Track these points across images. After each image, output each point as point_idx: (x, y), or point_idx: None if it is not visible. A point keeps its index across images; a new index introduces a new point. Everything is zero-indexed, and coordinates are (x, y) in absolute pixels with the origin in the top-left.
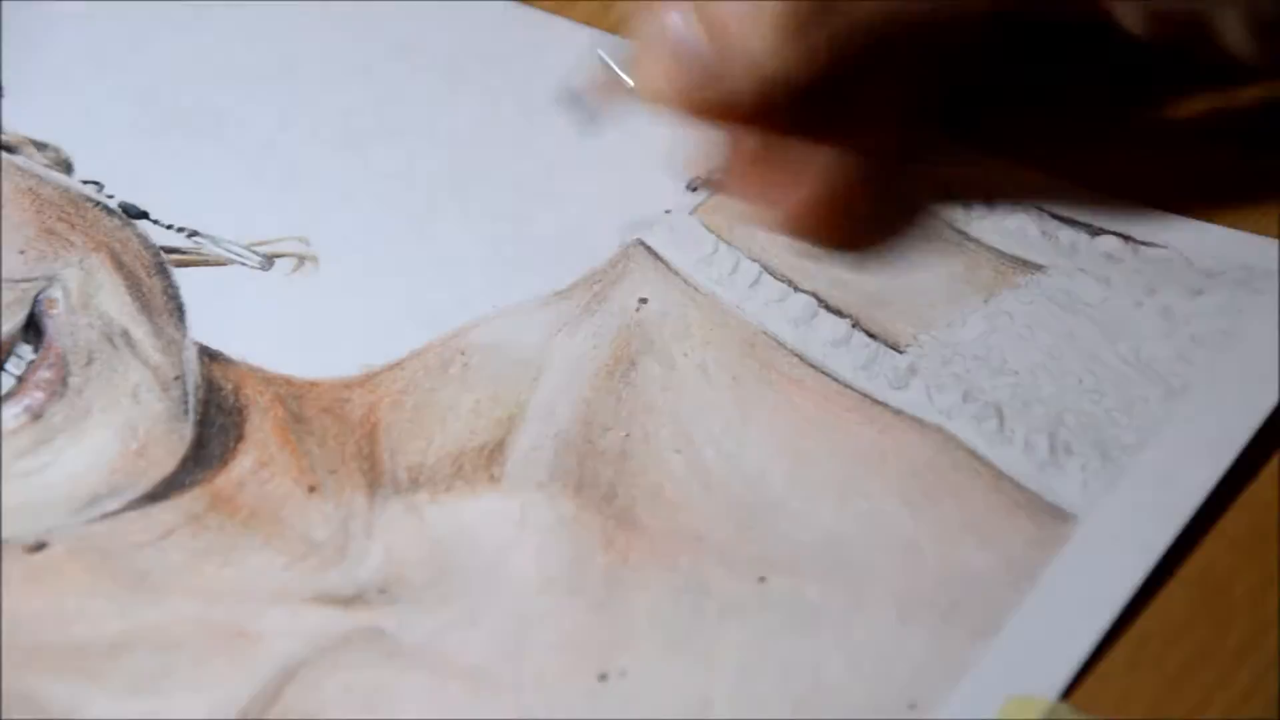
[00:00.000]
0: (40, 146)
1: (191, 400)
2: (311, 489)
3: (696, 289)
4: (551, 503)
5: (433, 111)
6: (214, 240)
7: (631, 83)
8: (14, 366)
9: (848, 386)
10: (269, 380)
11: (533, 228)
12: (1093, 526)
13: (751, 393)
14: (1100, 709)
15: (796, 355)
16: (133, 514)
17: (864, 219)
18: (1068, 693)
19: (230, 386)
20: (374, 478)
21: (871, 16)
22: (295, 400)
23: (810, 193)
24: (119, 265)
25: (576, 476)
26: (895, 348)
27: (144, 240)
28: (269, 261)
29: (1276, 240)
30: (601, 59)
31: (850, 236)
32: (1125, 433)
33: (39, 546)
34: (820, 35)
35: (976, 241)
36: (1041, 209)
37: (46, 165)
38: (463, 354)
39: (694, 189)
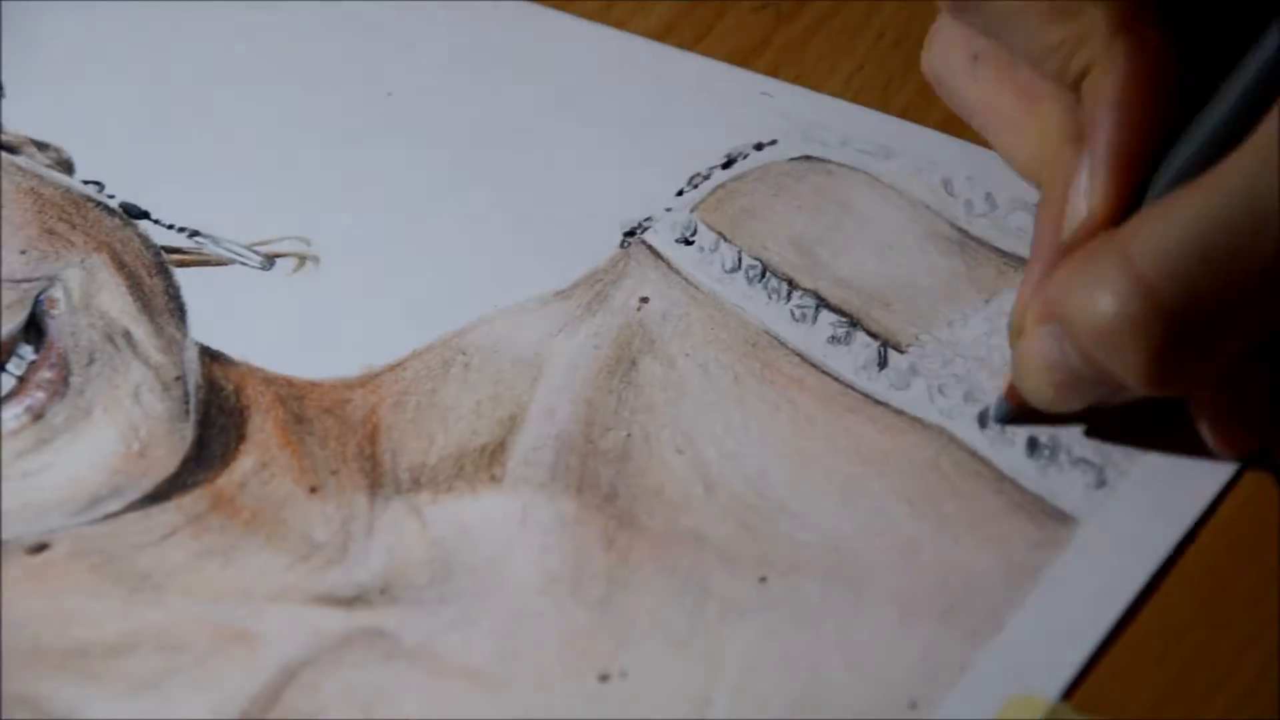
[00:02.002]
0: (41, 146)
1: (193, 400)
2: (313, 489)
3: (697, 288)
4: (552, 503)
5: (433, 111)
6: (215, 240)
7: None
8: (15, 367)
9: (849, 386)
10: (270, 380)
11: (533, 227)
12: (1093, 528)
13: (753, 392)
14: (1100, 709)
15: (798, 355)
16: (134, 515)
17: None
18: (1068, 693)
19: (231, 387)
20: (375, 478)
21: (1252, 333)
22: (296, 401)
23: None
24: (120, 265)
25: (577, 477)
26: (897, 347)
27: (145, 240)
28: (270, 261)
29: None
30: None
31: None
32: None
33: (40, 547)
34: (1200, 357)
35: (977, 241)
36: None
37: (47, 165)
38: (464, 354)
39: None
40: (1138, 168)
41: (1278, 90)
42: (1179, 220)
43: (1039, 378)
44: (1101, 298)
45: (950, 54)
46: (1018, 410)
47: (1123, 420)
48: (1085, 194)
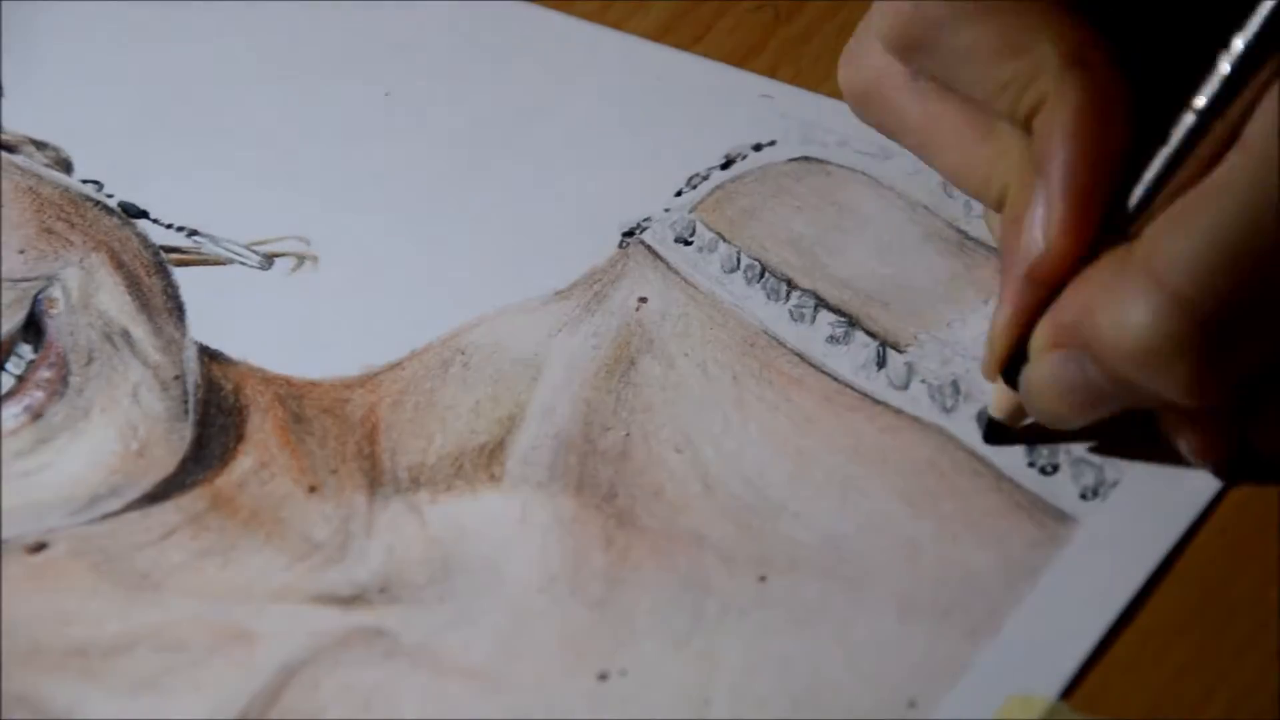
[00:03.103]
0: (40, 146)
1: (191, 400)
2: (312, 489)
3: (696, 288)
4: (552, 502)
5: (433, 111)
6: (214, 239)
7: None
8: (14, 366)
9: (848, 386)
10: (269, 380)
11: (532, 227)
12: (1092, 527)
13: (751, 392)
14: (1100, 709)
15: (797, 354)
16: (133, 514)
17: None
18: (1067, 692)
19: (230, 386)
20: (374, 477)
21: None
22: (295, 400)
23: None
24: (119, 265)
25: (577, 476)
26: (895, 347)
27: (144, 239)
28: (269, 261)
29: None
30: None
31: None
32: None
33: (39, 547)
34: (1241, 362)
35: (976, 241)
36: None
37: (46, 164)
38: (463, 354)
39: None
40: (1095, 200)
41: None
42: (1199, 229)
43: (1056, 402)
44: (1135, 317)
45: (885, 68)
46: (1004, 431)
47: (1113, 429)
48: (1041, 227)
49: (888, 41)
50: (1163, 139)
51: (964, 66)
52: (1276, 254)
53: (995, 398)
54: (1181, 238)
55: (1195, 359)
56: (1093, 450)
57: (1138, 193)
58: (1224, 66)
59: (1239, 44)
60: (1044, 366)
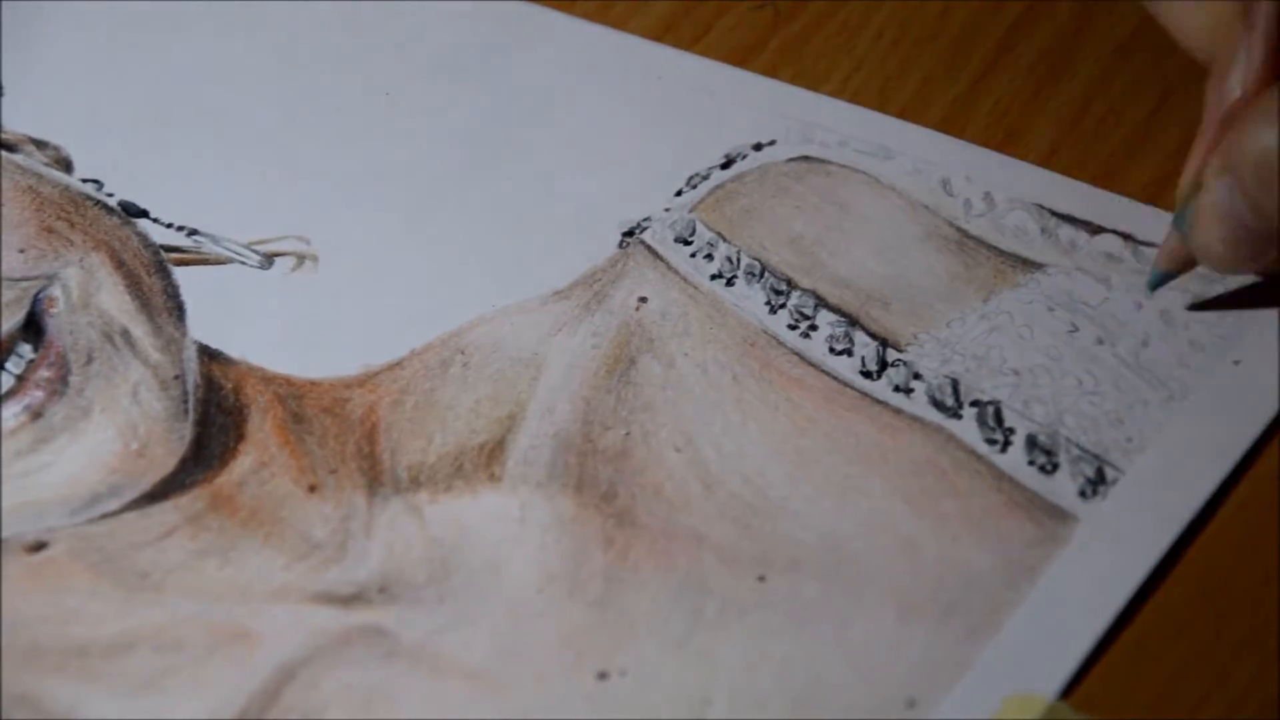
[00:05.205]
0: (40, 145)
1: (191, 400)
2: (311, 488)
3: (696, 288)
4: (551, 502)
5: (433, 111)
6: (214, 239)
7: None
8: (14, 365)
9: (847, 385)
10: (269, 380)
11: (532, 227)
12: (1092, 527)
13: (751, 391)
14: (1099, 709)
15: (796, 354)
16: (132, 514)
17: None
18: (1067, 692)
19: (230, 386)
20: (374, 477)
21: None
22: (295, 400)
23: None
24: (119, 264)
25: (576, 475)
26: (895, 346)
27: (144, 239)
28: (269, 260)
29: None
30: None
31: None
32: (1125, 435)
33: (39, 546)
34: None
35: (976, 240)
36: (1042, 206)
37: (46, 164)
38: (462, 353)
39: None
40: None
41: None
42: None
43: (1211, 232)
44: (1263, 134)
45: None
46: (1167, 276)
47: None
48: (1240, 78)
49: None
50: None
51: None
52: None
53: (1165, 247)
54: None
55: None
56: (1220, 306)
57: None
58: None
59: None
60: (1207, 194)
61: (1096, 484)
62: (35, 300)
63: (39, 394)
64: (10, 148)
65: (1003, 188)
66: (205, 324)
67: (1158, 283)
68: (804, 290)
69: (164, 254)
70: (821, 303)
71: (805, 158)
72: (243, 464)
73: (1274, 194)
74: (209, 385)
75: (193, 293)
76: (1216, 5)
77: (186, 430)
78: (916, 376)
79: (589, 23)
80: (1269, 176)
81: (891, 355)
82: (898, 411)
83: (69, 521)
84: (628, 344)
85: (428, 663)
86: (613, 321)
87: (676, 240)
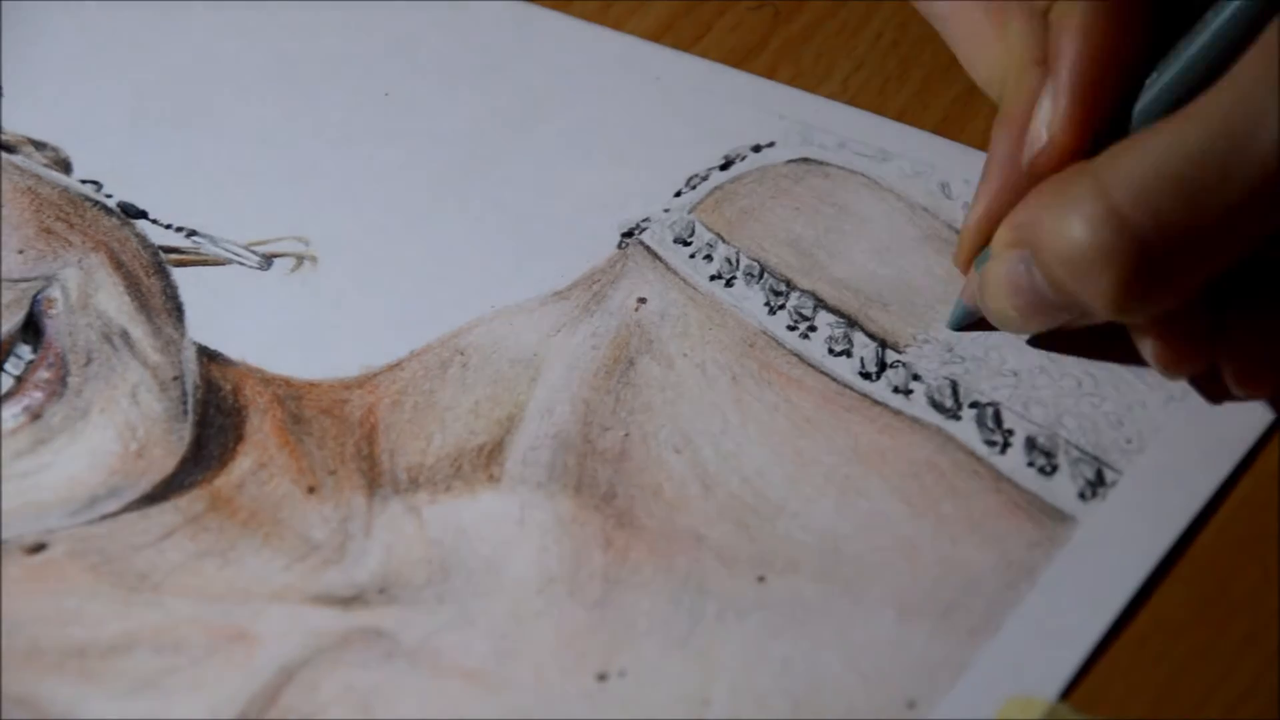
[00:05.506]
0: (39, 146)
1: (190, 401)
2: (310, 489)
3: (695, 288)
4: (550, 502)
5: (433, 111)
6: (213, 240)
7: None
8: (13, 366)
9: (847, 386)
10: (268, 380)
11: (531, 228)
12: (1092, 527)
13: (750, 392)
14: (1100, 709)
15: (795, 355)
16: (132, 515)
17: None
18: (1067, 693)
19: (229, 387)
20: (373, 478)
21: (1218, 265)
22: (294, 401)
23: None
24: (118, 265)
25: (575, 476)
26: (895, 348)
27: (143, 240)
28: (268, 261)
29: None
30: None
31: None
32: (1124, 436)
33: (38, 547)
34: (1167, 287)
35: None
36: None
37: (45, 164)
38: (462, 354)
39: None
40: (1101, 97)
41: (1257, 27)
42: (1154, 151)
43: (1005, 301)
44: (1073, 225)
45: None
46: (972, 319)
47: (1071, 337)
48: (1046, 122)
49: None
50: (1176, 57)
51: None
52: (1225, 191)
53: (967, 288)
54: (1135, 156)
55: (1122, 274)
56: (1037, 345)
57: (1140, 106)
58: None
59: None
60: (998, 264)
61: (1096, 485)
62: (34, 301)
63: (38, 395)
64: (9, 149)
65: None
66: (204, 325)
67: (959, 323)
68: (803, 291)
69: (163, 255)
70: (821, 304)
71: (804, 159)
72: (242, 465)
73: (1089, 285)
74: (208, 386)
75: (192, 293)
76: (1011, 42)
77: (186, 431)
78: (916, 378)
79: (588, 23)
80: (1084, 270)
81: (891, 356)
82: (897, 413)
83: (68, 523)
84: (627, 345)
85: (427, 663)
86: (612, 322)
87: (676, 241)
